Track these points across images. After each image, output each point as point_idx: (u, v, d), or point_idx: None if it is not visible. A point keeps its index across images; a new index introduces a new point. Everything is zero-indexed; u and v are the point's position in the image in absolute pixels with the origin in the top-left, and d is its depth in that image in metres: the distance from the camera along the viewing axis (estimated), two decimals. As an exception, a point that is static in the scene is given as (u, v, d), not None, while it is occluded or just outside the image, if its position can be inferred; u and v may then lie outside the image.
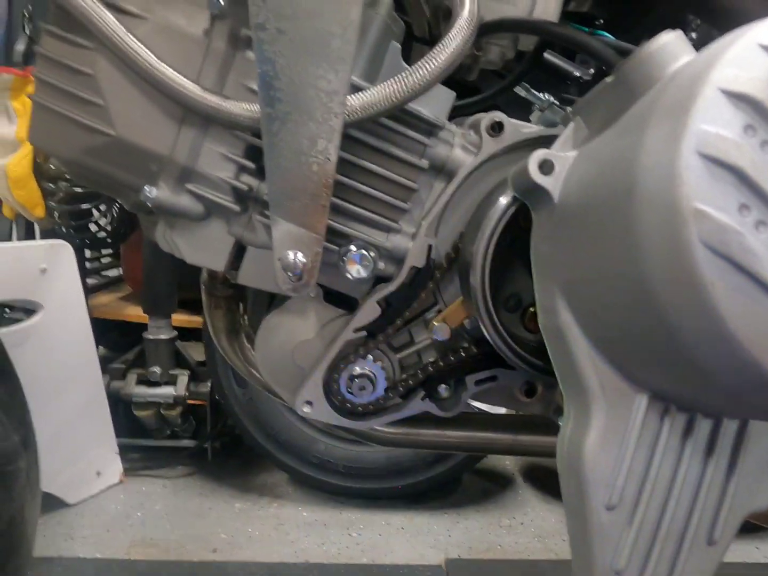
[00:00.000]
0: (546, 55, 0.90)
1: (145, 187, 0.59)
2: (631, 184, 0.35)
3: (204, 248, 0.64)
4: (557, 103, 0.89)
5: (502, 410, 0.93)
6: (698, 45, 0.42)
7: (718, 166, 0.31)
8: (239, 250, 0.65)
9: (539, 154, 0.46)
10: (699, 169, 0.31)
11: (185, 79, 0.55)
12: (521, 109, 1.04)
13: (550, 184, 0.46)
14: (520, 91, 0.90)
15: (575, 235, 0.43)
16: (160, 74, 0.55)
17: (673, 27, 0.60)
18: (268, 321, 0.70)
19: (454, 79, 0.72)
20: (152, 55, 0.55)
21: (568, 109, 0.92)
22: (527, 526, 1.66)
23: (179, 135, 0.58)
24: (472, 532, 1.63)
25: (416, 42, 0.82)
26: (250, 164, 0.59)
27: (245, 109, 0.55)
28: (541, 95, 0.89)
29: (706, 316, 0.32)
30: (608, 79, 0.45)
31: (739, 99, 0.32)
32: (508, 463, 2.00)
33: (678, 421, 0.44)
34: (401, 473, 1.69)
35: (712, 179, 0.31)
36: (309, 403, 0.67)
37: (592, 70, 0.94)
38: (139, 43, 0.54)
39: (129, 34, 0.54)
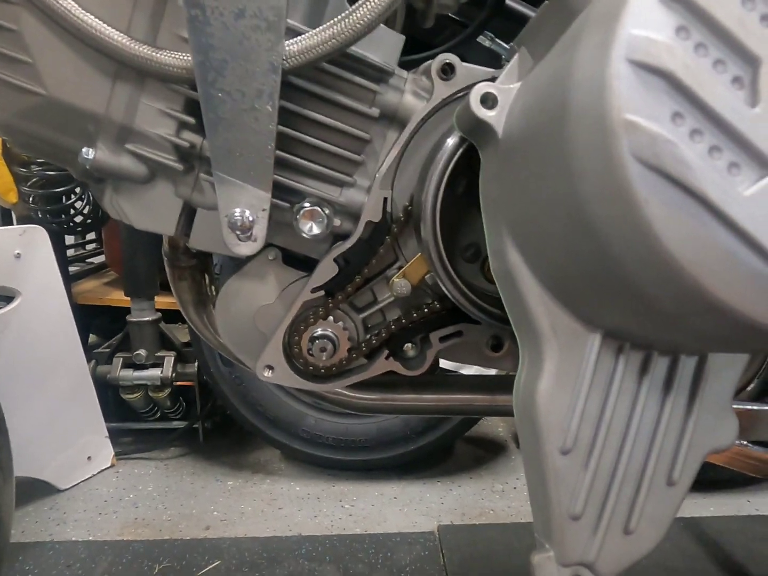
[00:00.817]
0: (509, 2, 0.86)
1: (83, 149, 0.56)
2: (564, 103, 0.33)
3: (152, 212, 0.61)
4: (523, 52, 0.86)
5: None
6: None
7: (648, 73, 0.29)
8: (190, 214, 0.63)
9: (480, 87, 0.44)
10: (629, 78, 0.29)
11: (114, 31, 0.52)
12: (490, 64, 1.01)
13: (494, 118, 0.44)
14: (484, 41, 0.86)
15: (519, 170, 0.41)
16: (87, 26, 0.52)
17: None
18: (228, 287, 0.68)
19: (413, 34, 0.69)
20: (78, 7, 0.52)
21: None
22: (520, 490, 1.66)
23: (113, 91, 0.55)
24: (465, 498, 1.63)
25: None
26: (191, 119, 0.57)
27: (179, 59, 0.52)
28: (506, 45, 0.86)
29: (642, 235, 0.30)
30: (546, 2, 0.42)
31: (672, 0, 0.29)
32: (500, 430, 2.00)
33: (633, 359, 0.42)
34: (391, 443, 1.68)
35: (643, 87, 0.29)
36: (270, 367, 0.66)
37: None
38: (61, -7, 0.51)
39: (50, -17, 0.51)
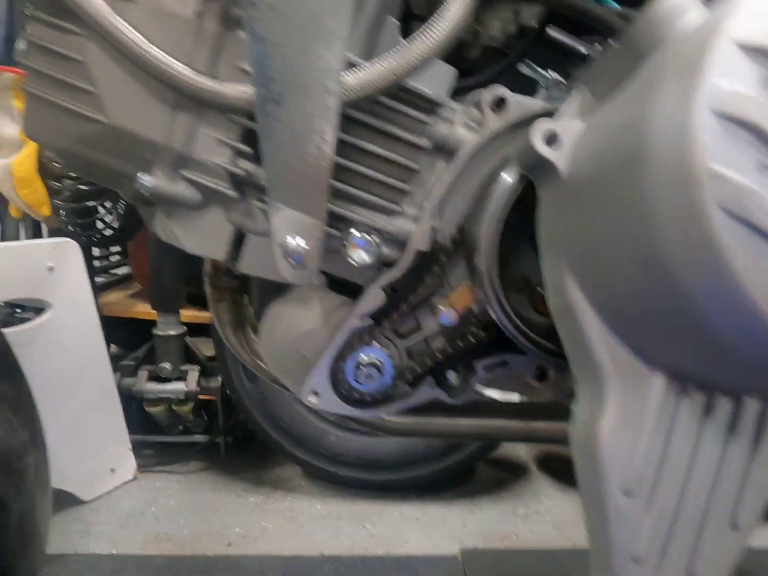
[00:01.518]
0: (550, 31, 0.87)
1: (140, 175, 0.58)
2: (641, 148, 0.33)
3: (203, 237, 0.62)
4: (563, 80, 0.86)
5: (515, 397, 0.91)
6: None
7: (733, 124, 0.29)
8: (240, 239, 0.64)
9: (543, 125, 0.44)
10: (713, 128, 0.29)
11: (177, 62, 0.54)
12: (526, 91, 1.02)
13: (556, 156, 0.44)
14: (523, 69, 0.87)
15: (584, 209, 0.41)
16: (151, 58, 0.53)
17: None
18: (272, 311, 0.69)
19: (454, 61, 0.70)
20: (142, 39, 0.53)
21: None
22: (543, 514, 1.64)
23: (173, 121, 0.57)
24: (487, 521, 1.61)
25: (415, 20, 0.80)
26: (247, 149, 0.58)
27: (239, 91, 0.54)
28: (545, 73, 0.86)
29: (725, 284, 0.30)
30: (614, 44, 0.43)
31: (755, 52, 0.30)
32: (522, 453, 1.98)
33: (696, 400, 0.42)
34: (414, 464, 1.67)
35: (728, 138, 0.29)
36: (315, 393, 0.66)
37: (598, 46, 0.91)
38: (128, 27, 0.53)
39: (118, 17, 0.52)
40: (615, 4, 0.60)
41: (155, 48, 0.53)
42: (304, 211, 0.56)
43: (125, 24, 0.53)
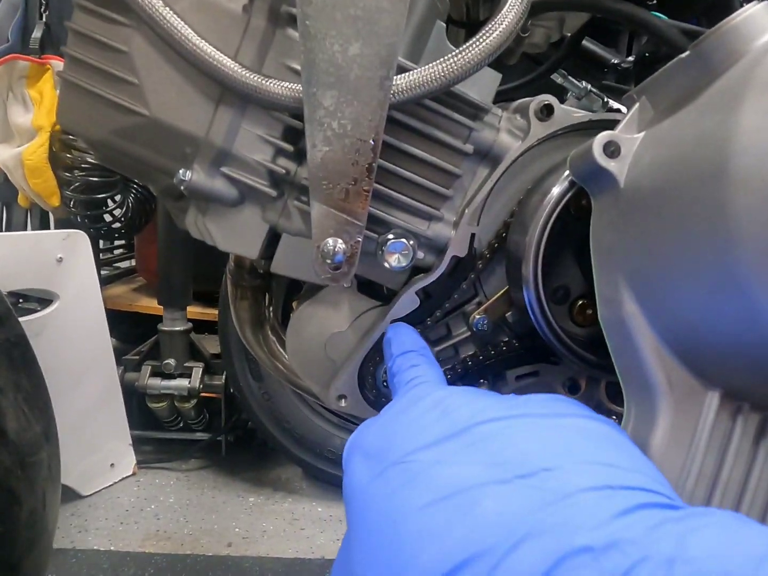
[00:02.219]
0: (585, 42, 0.87)
1: (180, 170, 0.57)
2: (722, 166, 0.32)
3: (237, 235, 0.61)
4: (595, 90, 0.86)
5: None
6: None
7: (828, 144, 0.29)
8: (273, 238, 0.63)
9: (604, 135, 0.44)
10: (807, 147, 0.29)
11: (226, 57, 0.53)
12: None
13: (616, 168, 0.43)
14: (556, 78, 0.87)
15: (645, 222, 0.41)
16: (199, 51, 0.52)
17: (724, 8, 0.57)
18: (300, 312, 0.68)
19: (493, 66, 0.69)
20: (193, 33, 0.52)
21: (605, 96, 0.89)
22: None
23: (216, 116, 0.56)
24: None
25: (452, 24, 0.79)
26: (288, 147, 0.57)
27: (286, 88, 0.53)
28: (578, 83, 0.86)
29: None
30: (682, 57, 0.42)
31: None
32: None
33: (751, 421, 0.41)
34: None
35: (822, 158, 0.29)
36: (343, 397, 0.65)
37: (631, 57, 0.91)
38: (177, 18, 0.52)
39: (168, 8, 0.52)
40: (663, 16, 0.60)
41: (204, 41, 0.52)
42: (345, 213, 0.55)
43: (174, 16, 0.52)
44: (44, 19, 1.78)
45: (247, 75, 0.52)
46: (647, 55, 0.78)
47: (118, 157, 0.62)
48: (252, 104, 0.56)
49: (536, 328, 0.56)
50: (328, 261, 0.56)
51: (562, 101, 0.97)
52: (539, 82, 0.86)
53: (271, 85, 0.53)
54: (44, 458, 0.79)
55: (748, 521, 0.23)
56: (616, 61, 0.90)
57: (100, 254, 2.50)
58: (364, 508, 0.29)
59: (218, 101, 0.56)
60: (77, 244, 1.53)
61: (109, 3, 0.53)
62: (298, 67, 0.52)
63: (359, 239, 0.56)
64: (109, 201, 1.87)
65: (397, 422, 0.33)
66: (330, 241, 0.55)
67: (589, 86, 0.85)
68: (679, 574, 0.20)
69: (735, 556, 0.21)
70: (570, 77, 0.87)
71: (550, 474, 0.26)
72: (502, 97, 0.81)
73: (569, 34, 0.80)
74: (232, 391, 1.72)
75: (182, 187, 0.57)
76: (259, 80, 0.52)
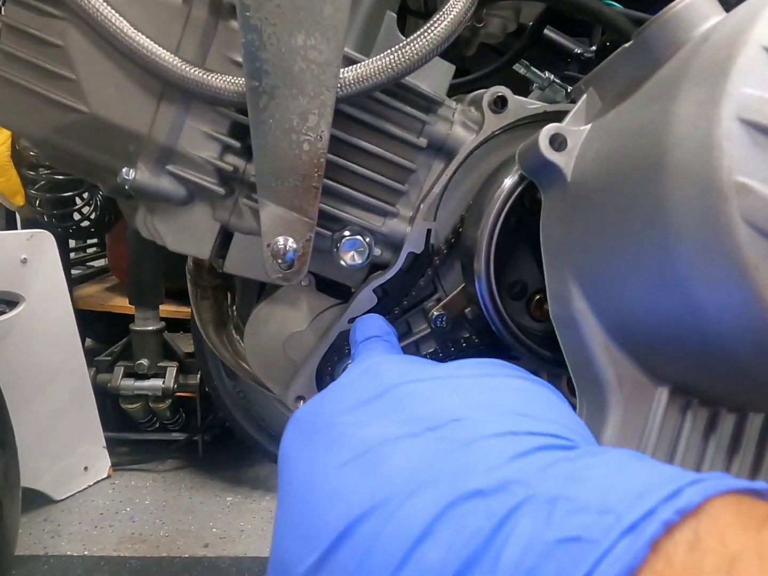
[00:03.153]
0: (545, 31, 0.86)
1: (123, 169, 0.55)
2: (660, 157, 0.31)
3: (187, 234, 0.59)
4: (558, 81, 0.85)
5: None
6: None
7: (762, 134, 0.28)
8: (225, 237, 0.61)
9: (550, 128, 0.43)
10: (740, 138, 0.28)
11: (165, 51, 0.51)
12: (516, 91, 1.00)
13: (563, 161, 0.42)
14: (519, 68, 0.86)
15: (592, 216, 0.40)
16: (136, 45, 0.50)
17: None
18: (258, 312, 0.66)
19: (449, 58, 0.68)
20: (128, 25, 0.50)
21: (570, 86, 0.88)
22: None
23: (158, 112, 0.54)
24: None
25: (411, 16, 0.77)
26: (236, 143, 0.55)
27: (229, 82, 0.51)
28: (541, 73, 0.85)
29: (749, 303, 0.28)
30: (625, 46, 0.41)
31: (784, 59, 0.28)
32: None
33: (701, 416, 0.41)
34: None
35: (756, 148, 0.28)
36: (301, 398, 0.64)
37: (593, 47, 0.90)
38: (113, 11, 0.50)
39: (102, 0, 0.49)
40: (618, 5, 0.59)
41: (141, 35, 0.50)
42: (295, 210, 0.53)
43: (109, 8, 0.49)
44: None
45: (188, 69, 0.50)
46: (608, 44, 0.77)
47: (61, 156, 0.59)
48: (196, 100, 0.54)
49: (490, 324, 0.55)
50: (279, 260, 0.55)
51: (528, 92, 0.96)
52: (501, 73, 0.85)
53: (214, 79, 0.51)
54: (0, 467, 0.77)
55: (643, 458, 0.23)
56: (579, 51, 0.89)
57: (72, 253, 2.46)
58: (288, 473, 0.29)
59: (160, 97, 0.54)
60: (42, 245, 1.49)
61: (43, -5, 0.51)
62: (242, 60, 0.50)
63: (310, 237, 0.54)
64: (77, 199, 1.84)
65: (329, 391, 0.33)
66: (280, 239, 0.54)
67: (552, 77, 0.84)
68: (559, 511, 0.20)
69: (616, 491, 0.20)
70: (533, 68, 0.86)
71: (458, 424, 0.25)
72: (466, 88, 0.80)
73: (529, 24, 0.78)
74: (207, 390, 1.70)
75: (126, 186, 0.55)
76: (201, 74, 0.51)
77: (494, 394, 0.28)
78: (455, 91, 0.72)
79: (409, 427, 0.26)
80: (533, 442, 0.24)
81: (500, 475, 0.22)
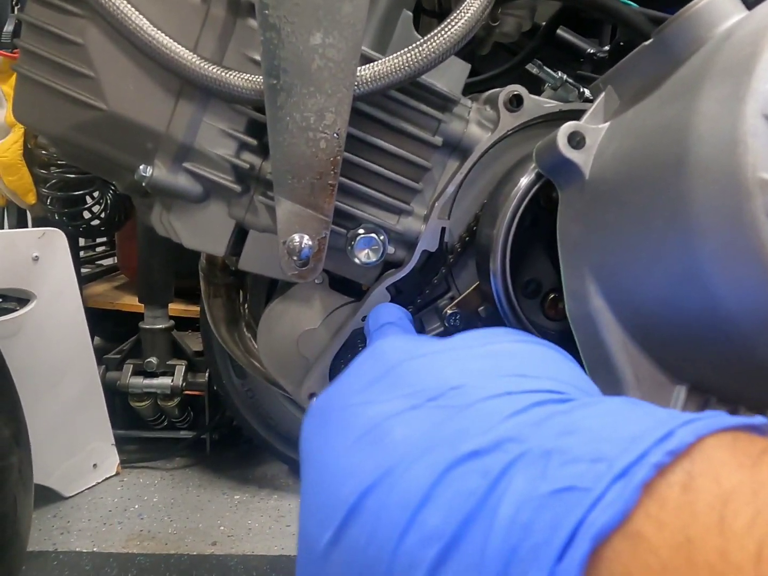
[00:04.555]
0: (558, 31, 0.86)
1: (141, 166, 0.55)
2: (682, 155, 0.31)
3: (203, 232, 0.60)
4: (570, 81, 0.85)
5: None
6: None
7: (786, 131, 0.28)
8: (240, 234, 0.62)
9: (569, 126, 0.43)
10: (765, 134, 0.28)
11: (184, 49, 0.51)
12: (528, 90, 1.00)
13: (581, 159, 0.42)
14: (531, 68, 0.86)
15: (610, 214, 0.40)
16: (155, 43, 0.51)
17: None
18: (272, 309, 0.67)
19: (464, 57, 0.68)
20: (148, 23, 0.51)
21: (582, 86, 0.88)
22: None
23: (176, 109, 0.54)
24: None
25: (425, 15, 0.78)
26: (252, 141, 0.56)
27: (247, 80, 0.51)
28: (554, 73, 0.85)
29: (771, 299, 0.28)
30: (645, 45, 0.41)
31: (809, 56, 0.28)
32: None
33: (719, 414, 0.41)
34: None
35: (780, 145, 0.28)
36: (314, 395, 0.64)
37: (606, 47, 0.90)
38: (132, 9, 0.50)
39: (121, -2, 0.50)
40: (634, 4, 0.59)
41: (160, 32, 0.51)
42: (311, 208, 0.54)
43: (129, 6, 0.50)
44: (16, 13, 1.75)
45: (207, 67, 0.51)
46: (622, 44, 0.77)
47: (79, 153, 0.60)
48: (214, 97, 0.54)
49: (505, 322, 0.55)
50: (295, 257, 0.55)
51: (540, 92, 0.96)
52: (515, 73, 0.85)
53: (232, 77, 0.51)
54: (14, 462, 0.78)
55: (639, 404, 0.23)
56: (592, 51, 0.89)
57: (81, 252, 2.47)
58: (306, 458, 0.29)
59: (178, 94, 0.54)
60: (54, 242, 1.50)
61: (63, -7, 0.52)
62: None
63: (326, 235, 0.55)
64: (88, 198, 1.84)
65: (341, 377, 0.33)
66: (296, 237, 0.54)
67: (565, 76, 0.84)
68: (553, 463, 0.20)
69: (610, 439, 0.20)
70: (545, 67, 0.86)
71: (456, 391, 0.26)
72: (479, 88, 0.80)
73: (543, 24, 0.78)
74: (215, 388, 1.71)
75: (143, 183, 0.55)
76: (220, 72, 0.51)
77: (493, 360, 0.28)
78: (469, 90, 0.72)
79: (412, 400, 0.27)
80: (530, 399, 0.24)
81: (495, 435, 0.22)
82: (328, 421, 0.30)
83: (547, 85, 0.89)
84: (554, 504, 0.19)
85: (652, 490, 0.19)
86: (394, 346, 0.34)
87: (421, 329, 0.66)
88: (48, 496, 1.59)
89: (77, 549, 1.42)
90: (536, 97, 0.59)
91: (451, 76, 0.58)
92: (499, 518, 0.20)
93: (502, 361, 0.28)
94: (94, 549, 1.43)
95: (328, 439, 0.29)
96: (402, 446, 0.24)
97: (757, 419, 0.21)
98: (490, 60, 0.90)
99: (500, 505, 0.20)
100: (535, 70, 0.85)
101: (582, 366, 0.49)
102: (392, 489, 0.23)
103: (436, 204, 0.59)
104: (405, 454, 0.24)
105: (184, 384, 1.76)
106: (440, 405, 0.25)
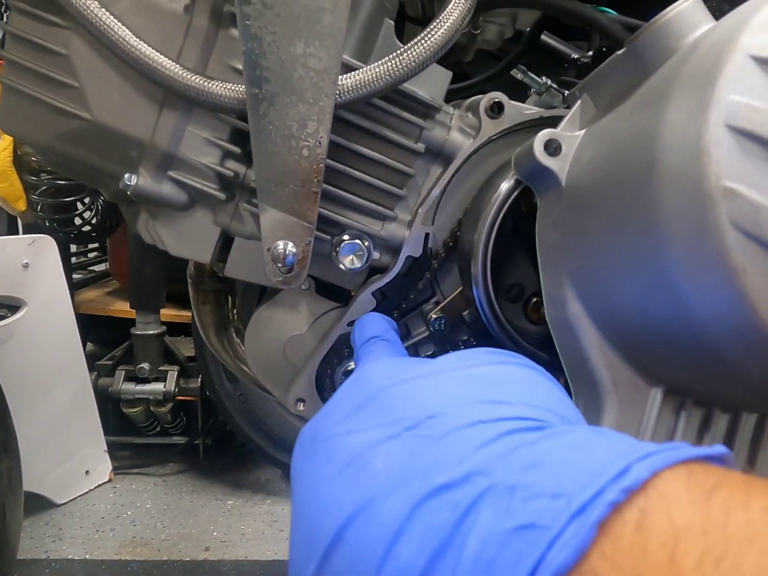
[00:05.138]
0: (542, 36, 0.87)
1: (125, 174, 0.55)
2: (650, 163, 0.32)
3: (189, 239, 0.60)
4: (555, 86, 0.86)
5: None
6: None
7: (749, 140, 0.28)
8: (226, 241, 0.62)
9: (545, 133, 0.43)
10: (728, 144, 0.29)
11: (166, 59, 0.51)
12: (515, 95, 1.01)
13: (558, 165, 0.43)
14: (516, 74, 0.86)
15: (585, 220, 0.41)
16: (138, 53, 0.51)
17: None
18: (259, 315, 0.67)
19: (447, 64, 0.69)
20: (131, 34, 0.51)
21: (567, 91, 0.89)
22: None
23: (160, 119, 0.55)
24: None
25: (409, 22, 0.78)
26: (236, 149, 0.56)
27: (230, 90, 0.52)
28: (538, 78, 0.86)
29: (736, 304, 0.29)
30: (618, 53, 0.42)
31: (770, 66, 0.29)
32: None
33: (695, 416, 0.41)
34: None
35: (743, 154, 0.28)
36: (301, 400, 0.64)
37: (590, 53, 0.91)
38: (115, 20, 0.51)
39: (104, 9, 0.50)
40: (612, 12, 0.60)
41: (143, 43, 0.51)
42: (295, 215, 0.54)
43: (111, 17, 0.50)
44: (5, 21, 1.75)
45: (190, 77, 0.51)
46: (605, 50, 0.78)
47: (64, 162, 0.60)
48: (197, 107, 0.55)
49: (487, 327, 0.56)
50: (279, 264, 0.55)
51: (525, 97, 0.97)
52: (498, 79, 0.85)
53: (215, 86, 0.52)
54: (3, 470, 0.78)
55: (605, 433, 0.23)
56: (576, 56, 0.90)
57: (73, 258, 2.47)
58: (295, 487, 0.30)
59: (162, 104, 0.55)
60: (44, 249, 1.50)
61: (46, 4, 0.52)
62: (242, 68, 0.51)
63: (310, 241, 0.55)
64: (78, 204, 1.84)
65: (327, 404, 0.34)
66: (280, 243, 0.55)
67: (549, 82, 0.85)
68: (517, 499, 0.21)
69: (571, 474, 0.20)
70: (530, 73, 0.87)
71: (432, 420, 0.26)
72: (464, 94, 0.81)
73: (526, 30, 0.79)
74: (208, 393, 1.71)
75: (128, 192, 0.56)
76: (202, 82, 0.51)
77: (471, 385, 0.29)
78: (453, 96, 0.73)
79: (391, 429, 0.27)
80: (500, 427, 0.24)
81: (465, 467, 0.23)
82: (315, 451, 0.31)
83: (532, 90, 0.90)
84: (516, 541, 0.20)
85: (608, 528, 0.19)
86: (377, 373, 0.34)
87: (406, 334, 0.66)
88: (40, 504, 1.58)
89: (69, 556, 1.42)
90: (517, 103, 0.60)
91: (433, 84, 0.59)
92: (466, 554, 0.21)
93: (479, 386, 0.29)
94: (87, 556, 1.43)
95: (314, 469, 0.29)
96: (381, 477, 0.25)
97: (716, 449, 0.21)
98: (479, 66, 0.91)
99: (467, 540, 0.21)
100: (519, 76, 0.86)
101: (563, 377, 0.50)
102: (370, 521, 0.24)
103: (420, 210, 0.60)
104: (383, 485, 0.24)
105: (176, 389, 1.76)
106: (417, 435, 0.26)
